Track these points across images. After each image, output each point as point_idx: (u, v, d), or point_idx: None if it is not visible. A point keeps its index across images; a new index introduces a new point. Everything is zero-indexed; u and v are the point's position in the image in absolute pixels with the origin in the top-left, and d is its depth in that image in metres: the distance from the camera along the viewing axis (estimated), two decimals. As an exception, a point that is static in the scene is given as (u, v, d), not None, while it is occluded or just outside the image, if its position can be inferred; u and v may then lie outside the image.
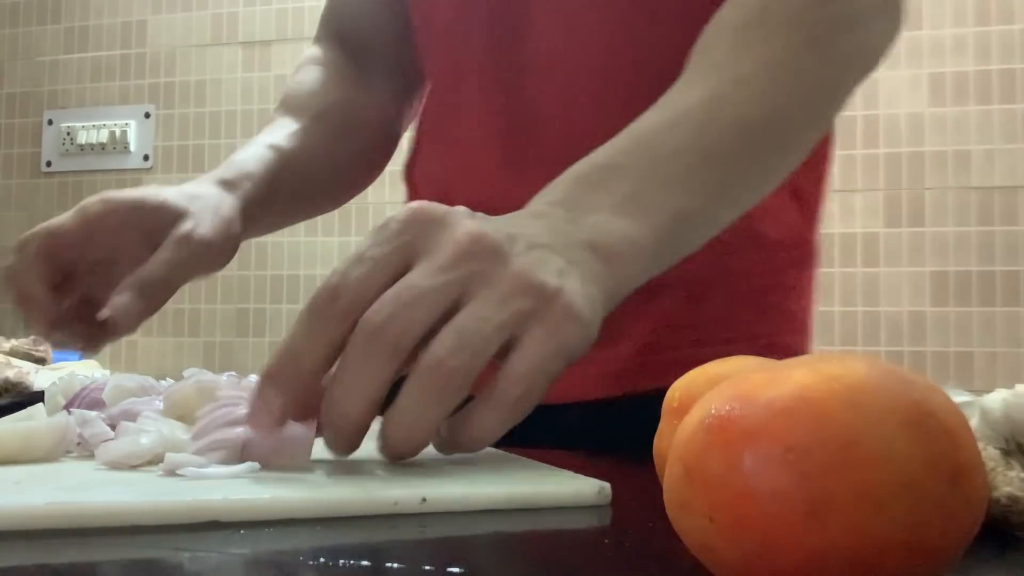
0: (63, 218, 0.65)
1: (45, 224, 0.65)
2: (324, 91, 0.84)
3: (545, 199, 0.49)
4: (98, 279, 0.66)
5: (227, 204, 0.70)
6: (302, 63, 0.88)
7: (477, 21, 0.75)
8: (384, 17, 0.86)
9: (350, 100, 0.85)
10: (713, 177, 0.53)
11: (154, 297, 0.63)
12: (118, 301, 0.62)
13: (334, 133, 0.82)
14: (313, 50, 0.89)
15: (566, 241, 0.46)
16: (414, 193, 0.84)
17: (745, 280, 0.73)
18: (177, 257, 0.64)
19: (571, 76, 0.71)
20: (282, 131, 0.79)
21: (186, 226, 0.66)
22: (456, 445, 0.43)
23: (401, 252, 0.42)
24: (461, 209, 0.45)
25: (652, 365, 0.71)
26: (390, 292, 0.41)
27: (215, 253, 0.67)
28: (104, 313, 0.62)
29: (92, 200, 0.66)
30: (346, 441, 0.42)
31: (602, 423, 0.71)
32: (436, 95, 0.82)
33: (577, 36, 0.71)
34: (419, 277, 0.41)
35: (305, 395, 0.42)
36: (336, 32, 0.90)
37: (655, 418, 0.70)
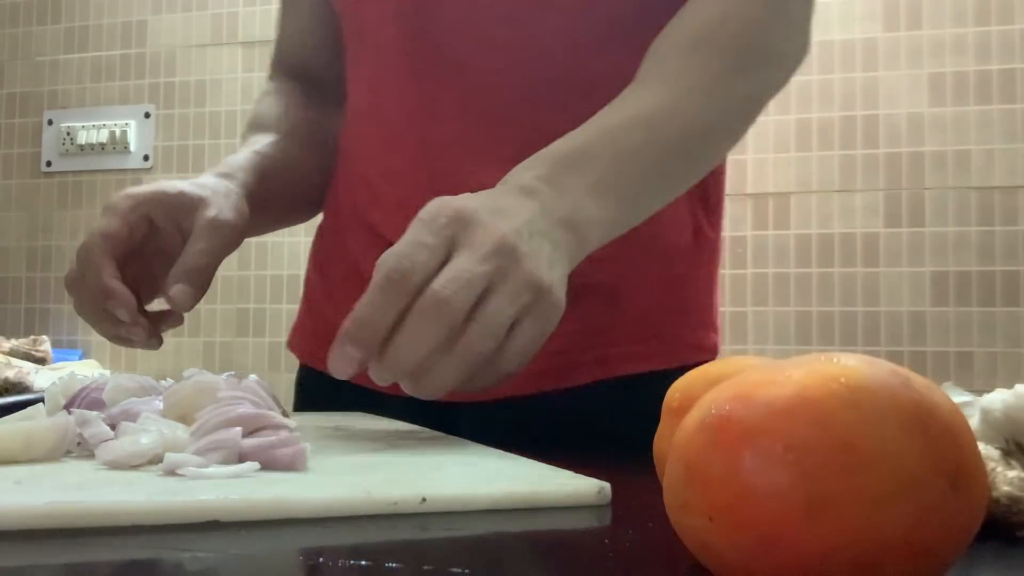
0: (103, 222, 0.70)
1: (93, 231, 0.69)
2: (288, 113, 0.88)
3: (532, 172, 0.60)
4: (139, 272, 0.71)
5: (232, 190, 0.76)
6: (261, 96, 0.92)
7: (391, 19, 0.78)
8: (331, 51, 0.88)
9: (312, 120, 0.89)
10: (661, 173, 0.66)
11: (201, 283, 0.70)
12: (175, 292, 0.68)
13: (303, 147, 0.87)
14: (269, 85, 0.94)
15: (551, 221, 0.57)
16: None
17: (658, 282, 0.78)
18: (211, 244, 0.71)
19: (478, 75, 0.76)
20: (260, 141, 0.84)
21: (210, 212, 0.71)
22: (463, 391, 0.54)
23: (448, 243, 0.53)
24: (482, 207, 0.55)
25: (574, 364, 0.76)
26: (452, 273, 0.51)
27: (237, 234, 0.74)
28: (168, 304, 0.69)
29: (117, 197, 0.71)
30: (393, 380, 0.53)
31: (531, 419, 0.76)
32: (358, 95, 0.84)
33: (484, 36, 0.75)
34: (468, 264, 0.52)
35: (376, 350, 0.52)
36: (288, 69, 0.94)
37: (579, 414, 0.75)
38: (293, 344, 0.92)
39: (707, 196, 0.82)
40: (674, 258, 0.79)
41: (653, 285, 0.78)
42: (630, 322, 0.77)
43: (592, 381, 0.76)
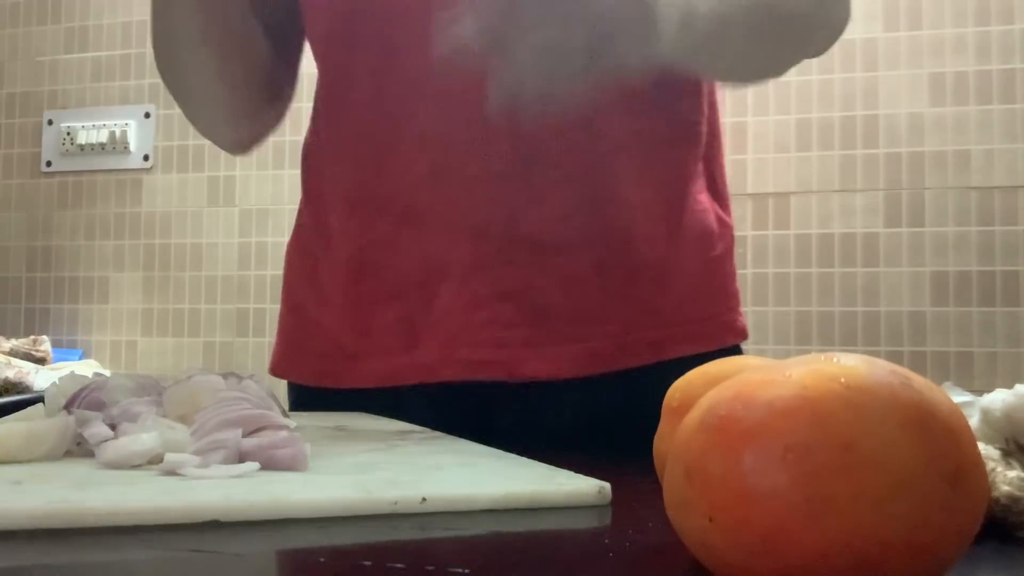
0: None
1: None
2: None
3: None
4: None
5: None
6: None
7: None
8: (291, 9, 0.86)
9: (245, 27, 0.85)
10: (762, 40, 0.72)
11: None
12: None
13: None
14: None
15: None
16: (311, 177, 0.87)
17: (698, 264, 0.80)
18: None
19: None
20: None
21: None
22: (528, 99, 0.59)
23: None
24: None
25: (628, 346, 0.77)
26: None
27: None
28: None
29: None
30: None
31: (585, 401, 0.76)
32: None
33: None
34: None
35: None
36: None
37: (630, 397, 0.75)
38: (293, 371, 0.86)
39: (716, 184, 0.84)
40: (708, 241, 0.81)
41: (694, 268, 0.80)
42: (676, 304, 0.79)
43: (646, 364, 0.77)
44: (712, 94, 0.85)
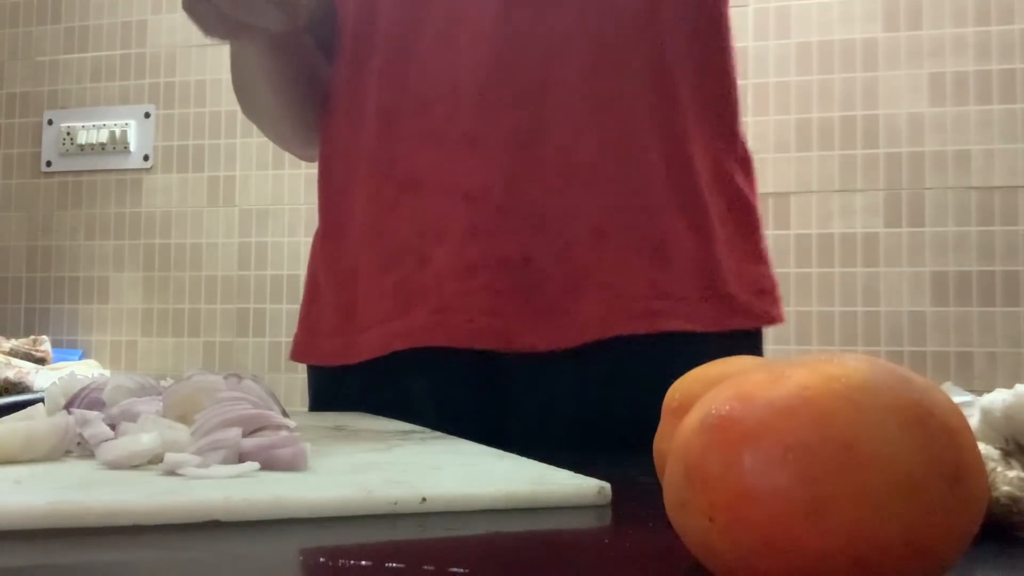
0: None
1: None
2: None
3: None
4: None
5: None
6: None
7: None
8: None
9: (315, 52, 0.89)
10: None
11: None
12: None
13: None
14: None
15: None
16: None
17: (709, 241, 0.78)
18: None
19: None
20: None
21: None
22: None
23: None
24: None
25: (623, 312, 0.75)
26: None
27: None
28: None
29: None
30: None
31: (578, 373, 0.76)
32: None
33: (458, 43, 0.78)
34: None
35: None
36: None
37: (620, 369, 0.76)
38: (311, 353, 0.87)
39: (745, 159, 0.83)
40: (719, 218, 0.79)
41: (705, 242, 0.78)
42: (679, 277, 0.77)
43: (641, 333, 0.75)
44: (733, 69, 0.83)
